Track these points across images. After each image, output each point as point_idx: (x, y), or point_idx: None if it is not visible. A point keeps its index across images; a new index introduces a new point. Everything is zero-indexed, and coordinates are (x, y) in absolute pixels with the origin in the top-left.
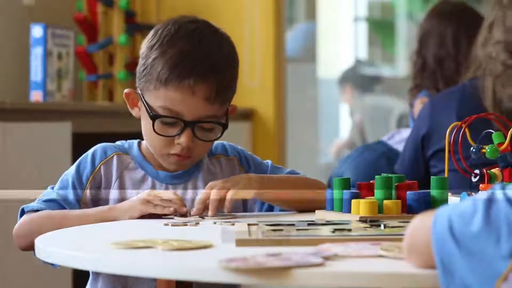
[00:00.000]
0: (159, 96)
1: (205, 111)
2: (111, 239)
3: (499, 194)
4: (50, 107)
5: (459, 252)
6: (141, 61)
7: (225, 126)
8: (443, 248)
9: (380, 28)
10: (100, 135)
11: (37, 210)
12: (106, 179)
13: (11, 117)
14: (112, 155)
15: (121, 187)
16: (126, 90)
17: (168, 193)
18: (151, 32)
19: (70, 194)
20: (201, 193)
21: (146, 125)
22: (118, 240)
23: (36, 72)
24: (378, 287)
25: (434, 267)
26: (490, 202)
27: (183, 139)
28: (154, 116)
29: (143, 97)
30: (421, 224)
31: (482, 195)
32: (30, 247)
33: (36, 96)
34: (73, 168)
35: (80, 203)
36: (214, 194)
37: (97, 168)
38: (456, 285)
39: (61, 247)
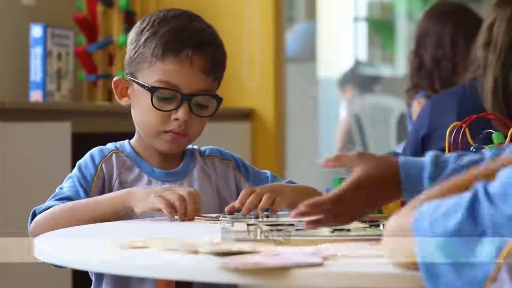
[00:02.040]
0: (155, 72)
1: (201, 84)
2: (111, 239)
3: (481, 194)
4: (50, 107)
5: (442, 255)
6: (130, 47)
7: (220, 100)
8: (425, 251)
9: (380, 28)
10: (100, 135)
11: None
12: (108, 177)
13: (11, 117)
14: (110, 153)
15: (122, 184)
16: (115, 78)
17: (186, 193)
18: (138, 22)
19: (81, 191)
20: (250, 198)
21: (140, 106)
22: (118, 240)
23: (35, 72)
24: (377, 287)
25: (416, 268)
26: (473, 202)
27: (180, 113)
28: (152, 88)
29: (136, 79)
30: (400, 226)
31: (465, 195)
32: None
33: (35, 96)
34: (75, 171)
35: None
36: (264, 203)
37: (99, 167)
38: (442, 285)
39: (61, 247)
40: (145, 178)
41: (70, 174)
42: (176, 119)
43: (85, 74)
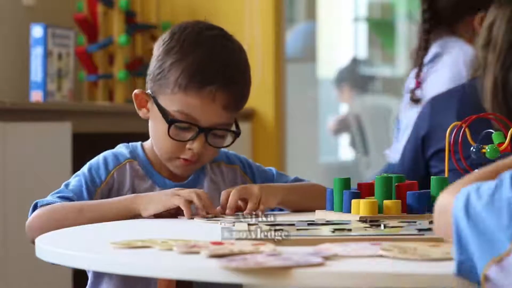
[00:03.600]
0: (176, 101)
1: (221, 118)
2: (111, 239)
3: (507, 180)
4: (50, 107)
5: (470, 230)
6: (155, 63)
7: (238, 134)
8: (459, 225)
9: (380, 28)
10: (100, 135)
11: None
12: (118, 185)
13: (11, 117)
14: (125, 162)
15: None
16: (136, 91)
17: (198, 193)
18: (167, 35)
19: (85, 193)
20: (232, 196)
21: (157, 127)
22: (118, 240)
23: (36, 72)
24: (378, 287)
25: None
26: (497, 187)
27: (196, 145)
28: (171, 121)
29: (156, 100)
30: (444, 206)
31: (506, 175)
32: None
33: (36, 96)
34: (85, 171)
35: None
36: (250, 207)
37: (111, 174)
38: (468, 261)
39: (61, 247)
40: (157, 189)
41: (79, 172)
42: (190, 149)
43: (86, 74)
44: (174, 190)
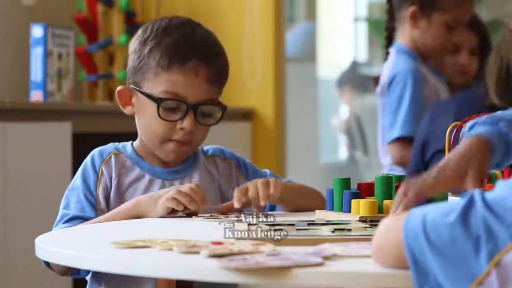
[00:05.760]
0: (161, 82)
1: (206, 93)
2: (111, 239)
3: (478, 199)
4: (50, 107)
5: (431, 252)
6: (133, 57)
7: (224, 108)
8: (415, 246)
9: (380, 28)
10: (100, 135)
11: None
12: (109, 179)
13: (11, 117)
14: (109, 155)
15: (120, 185)
16: (118, 88)
17: (191, 188)
18: (139, 31)
19: (86, 206)
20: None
21: (145, 115)
22: (118, 240)
23: (36, 72)
24: (377, 287)
25: (400, 267)
26: (467, 206)
27: (186, 123)
28: (159, 100)
29: (141, 89)
30: (392, 225)
31: (461, 200)
32: (72, 269)
33: (36, 96)
34: (78, 180)
35: (97, 212)
36: (262, 201)
37: (100, 172)
38: (431, 283)
39: (61, 247)
40: (147, 177)
41: (73, 186)
42: (181, 128)
43: (86, 74)
44: (172, 194)
